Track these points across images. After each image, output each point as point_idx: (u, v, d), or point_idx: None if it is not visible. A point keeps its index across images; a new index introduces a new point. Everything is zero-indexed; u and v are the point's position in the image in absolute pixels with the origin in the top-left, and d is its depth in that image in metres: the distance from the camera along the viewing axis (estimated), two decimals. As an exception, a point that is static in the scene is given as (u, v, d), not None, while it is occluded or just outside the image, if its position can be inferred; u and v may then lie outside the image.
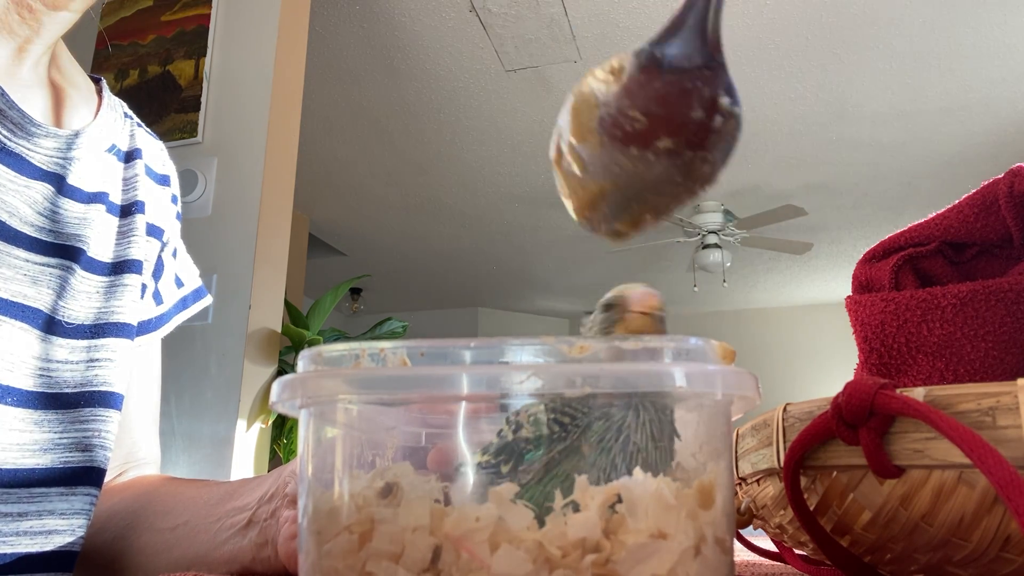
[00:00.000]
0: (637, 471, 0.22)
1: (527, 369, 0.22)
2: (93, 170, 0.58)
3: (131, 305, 0.59)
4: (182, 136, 2.03)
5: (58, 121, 0.58)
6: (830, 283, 5.94)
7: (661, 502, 0.21)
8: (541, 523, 0.21)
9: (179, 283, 0.70)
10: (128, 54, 2.18)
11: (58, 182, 0.55)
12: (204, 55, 2.08)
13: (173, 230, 0.68)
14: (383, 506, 0.22)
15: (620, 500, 0.21)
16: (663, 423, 0.23)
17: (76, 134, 0.56)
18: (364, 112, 3.55)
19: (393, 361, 0.24)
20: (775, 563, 0.49)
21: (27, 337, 0.52)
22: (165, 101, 2.08)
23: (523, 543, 0.21)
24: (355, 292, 6.22)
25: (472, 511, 0.21)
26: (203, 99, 2.04)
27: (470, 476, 0.23)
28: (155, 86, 2.10)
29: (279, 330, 2.02)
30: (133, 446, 0.65)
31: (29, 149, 0.53)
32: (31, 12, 0.53)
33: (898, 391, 0.29)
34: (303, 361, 0.25)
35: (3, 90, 0.50)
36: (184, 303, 0.70)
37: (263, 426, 1.96)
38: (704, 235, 4.58)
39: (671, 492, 0.22)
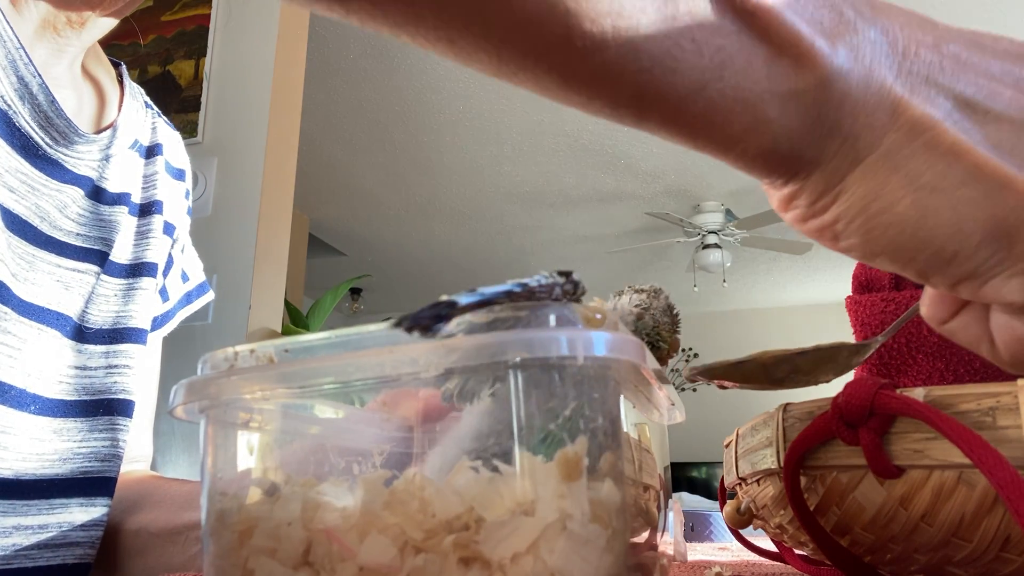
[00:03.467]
0: (498, 445, 0.22)
1: (384, 354, 0.22)
2: (117, 170, 0.57)
3: (146, 309, 0.58)
4: (182, 136, 2.03)
5: (89, 120, 0.57)
6: (830, 283, 5.93)
7: (521, 477, 0.21)
8: (407, 507, 0.21)
9: (184, 278, 0.68)
10: (128, 54, 2.18)
11: (88, 185, 0.54)
12: (204, 55, 2.08)
13: (183, 226, 0.67)
14: (264, 504, 0.23)
15: (481, 477, 0.21)
16: (523, 393, 0.22)
17: (111, 137, 0.56)
18: (364, 112, 3.55)
19: (262, 360, 0.24)
20: (775, 563, 0.49)
21: (56, 344, 0.51)
22: (165, 101, 2.08)
23: (388, 529, 0.21)
24: (355, 292, 6.21)
25: (341, 501, 0.22)
26: (203, 99, 2.04)
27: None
28: (155, 86, 2.10)
29: (279, 330, 2.02)
30: (127, 445, 0.64)
31: (66, 155, 0.52)
32: (79, 15, 0.52)
33: (898, 391, 0.29)
34: (202, 365, 0.25)
35: (53, 98, 0.50)
36: (188, 298, 0.69)
37: (263, 426, 1.96)
38: (704, 235, 4.58)
39: (533, 466, 0.21)
